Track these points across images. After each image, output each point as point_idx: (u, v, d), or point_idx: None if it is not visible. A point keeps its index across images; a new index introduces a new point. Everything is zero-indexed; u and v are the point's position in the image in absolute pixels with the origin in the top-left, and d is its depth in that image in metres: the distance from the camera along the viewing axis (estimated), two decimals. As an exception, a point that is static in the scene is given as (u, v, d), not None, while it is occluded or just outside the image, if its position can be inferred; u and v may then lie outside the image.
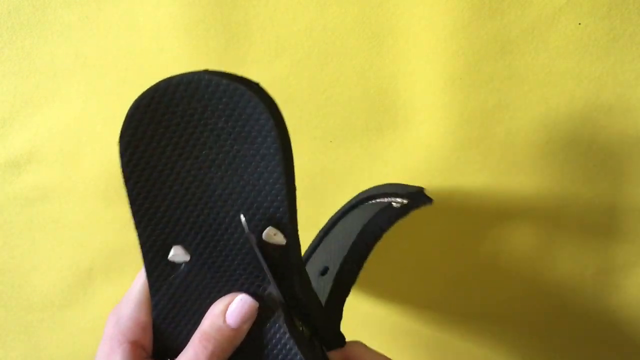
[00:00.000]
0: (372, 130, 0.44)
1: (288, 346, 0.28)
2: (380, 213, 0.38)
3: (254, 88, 0.26)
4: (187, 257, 0.28)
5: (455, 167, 0.44)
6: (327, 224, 0.44)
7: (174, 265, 0.29)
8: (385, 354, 0.32)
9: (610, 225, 0.45)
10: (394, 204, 0.39)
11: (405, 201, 0.39)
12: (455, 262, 0.47)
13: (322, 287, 0.36)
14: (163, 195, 0.27)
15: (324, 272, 0.38)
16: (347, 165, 0.45)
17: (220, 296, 0.29)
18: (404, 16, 0.40)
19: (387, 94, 0.42)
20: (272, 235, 0.28)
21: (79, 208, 0.48)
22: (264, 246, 0.28)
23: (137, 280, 0.29)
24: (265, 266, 0.27)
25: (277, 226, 0.27)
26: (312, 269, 0.39)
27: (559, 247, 0.46)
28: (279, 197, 0.27)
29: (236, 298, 0.28)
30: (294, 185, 0.28)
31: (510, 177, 0.44)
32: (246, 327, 0.28)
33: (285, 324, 0.28)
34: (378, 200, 0.41)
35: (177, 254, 0.28)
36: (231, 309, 0.28)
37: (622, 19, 0.38)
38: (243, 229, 0.28)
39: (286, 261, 0.28)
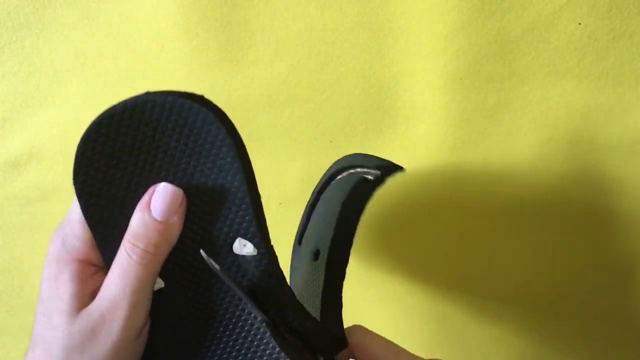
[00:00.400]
0: (372, 130, 0.44)
1: (274, 356, 0.27)
2: (356, 189, 0.36)
3: (200, 100, 0.26)
4: (161, 284, 0.27)
5: (455, 167, 0.44)
6: (311, 196, 0.42)
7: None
8: (396, 333, 0.31)
9: (611, 225, 0.45)
10: (367, 176, 0.37)
11: (378, 172, 0.37)
12: (455, 263, 0.47)
13: (315, 274, 0.35)
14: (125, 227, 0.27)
15: (316, 255, 0.37)
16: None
17: (204, 323, 0.27)
18: (404, 16, 0.40)
19: (387, 94, 0.42)
20: (242, 246, 0.27)
21: (79, 208, 0.48)
22: (236, 259, 0.27)
23: (76, 200, 0.28)
24: (232, 284, 0.26)
25: (246, 236, 0.27)
26: (305, 252, 0.38)
27: (559, 247, 0.46)
28: (242, 206, 0.26)
29: (157, 188, 0.26)
30: (257, 191, 0.27)
31: (510, 177, 0.44)
32: (176, 220, 0.26)
33: (272, 339, 0.27)
34: (351, 171, 0.39)
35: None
36: (153, 201, 0.26)
37: (622, 19, 0.38)
38: (214, 246, 0.27)
39: (264, 273, 0.27)
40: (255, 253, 0.27)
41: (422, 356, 0.30)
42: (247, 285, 0.27)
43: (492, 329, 0.50)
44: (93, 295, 0.27)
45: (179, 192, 0.26)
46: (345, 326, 0.32)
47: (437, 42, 0.40)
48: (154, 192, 0.26)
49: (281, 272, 0.28)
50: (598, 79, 0.40)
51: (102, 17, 0.42)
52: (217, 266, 0.26)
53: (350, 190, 0.36)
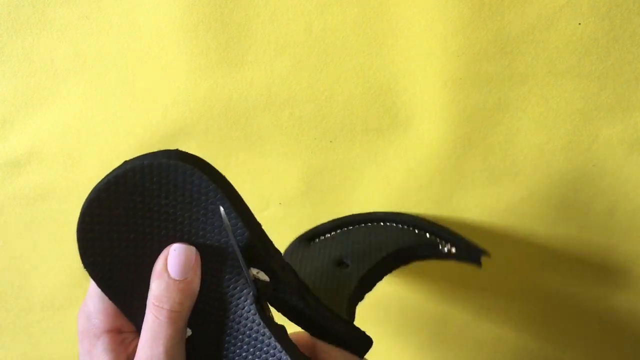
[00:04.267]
0: (372, 130, 0.44)
1: (270, 343, 0.28)
2: (425, 247, 0.41)
3: (175, 155, 0.27)
4: (189, 332, 0.29)
5: (455, 167, 0.44)
6: (348, 217, 0.45)
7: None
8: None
9: (610, 225, 0.45)
10: (443, 247, 0.41)
11: (453, 250, 0.41)
12: (455, 262, 0.47)
13: (338, 278, 0.37)
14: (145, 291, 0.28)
15: (340, 263, 0.39)
16: (347, 165, 0.45)
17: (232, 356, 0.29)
18: (404, 16, 0.40)
19: (387, 94, 0.42)
20: (256, 274, 0.28)
21: (79, 208, 0.48)
22: (256, 282, 0.28)
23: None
24: (237, 249, 0.27)
25: (257, 265, 0.28)
26: (324, 253, 0.41)
27: (559, 247, 0.46)
28: (245, 236, 0.27)
29: (170, 249, 0.28)
30: (255, 220, 0.28)
31: (510, 177, 0.44)
32: (193, 275, 0.28)
33: (259, 317, 0.28)
34: (424, 233, 0.43)
35: None
36: (169, 262, 0.27)
37: (622, 19, 0.38)
38: (228, 282, 0.28)
39: (286, 290, 0.29)
40: (268, 280, 0.28)
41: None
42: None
43: (492, 329, 0.50)
44: (130, 357, 0.28)
45: (192, 249, 0.28)
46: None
47: (437, 42, 0.40)
48: (167, 254, 0.28)
49: (305, 286, 0.30)
50: (598, 79, 0.40)
51: (102, 17, 0.42)
52: (228, 222, 0.27)
53: (417, 244, 0.41)
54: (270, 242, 0.29)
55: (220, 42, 0.42)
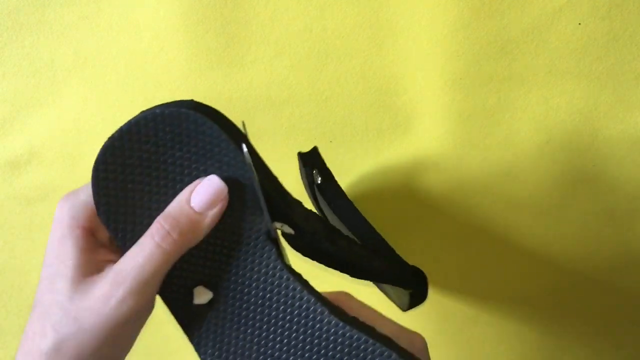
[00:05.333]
0: (372, 130, 0.44)
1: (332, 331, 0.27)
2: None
3: (187, 104, 0.26)
4: (210, 295, 0.28)
5: (455, 167, 0.44)
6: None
7: (202, 308, 0.28)
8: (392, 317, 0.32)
9: (610, 225, 0.45)
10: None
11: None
12: (455, 262, 0.47)
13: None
14: None
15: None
16: (347, 165, 0.45)
17: (263, 321, 0.27)
18: (404, 16, 0.40)
19: (387, 94, 0.42)
20: (280, 227, 0.27)
21: (79, 208, 0.48)
22: (286, 240, 0.28)
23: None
24: (256, 182, 0.26)
25: (279, 219, 0.27)
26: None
27: (559, 246, 0.46)
28: (265, 191, 0.26)
29: (204, 179, 0.26)
30: (272, 173, 0.27)
31: (510, 177, 0.44)
32: (212, 215, 0.26)
33: (329, 314, 0.27)
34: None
35: (200, 295, 0.28)
36: (196, 190, 0.26)
37: (622, 19, 0.38)
38: (248, 239, 0.27)
39: (314, 238, 0.28)
40: (293, 232, 0.27)
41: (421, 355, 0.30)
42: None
43: (492, 329, 0.50)
44: (97, 266, 0.27)
45: (224, 188, 0.26)
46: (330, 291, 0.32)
47: (437, 42, 0.40)
48: (199, 183, 0.26)
49: (334, 229, 0.29)
50: (598, 79, 0.40)
51: (102, 17, 0.42)
52: (249, 158, 0.26)
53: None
54: (288, 193, 0.28)
55: (220, 42, 0.42)
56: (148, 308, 0.27)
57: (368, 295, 0.38)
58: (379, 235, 0.36)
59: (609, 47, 0.39)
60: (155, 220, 0.26)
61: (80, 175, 0.47)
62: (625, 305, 0.48)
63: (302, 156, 0.39)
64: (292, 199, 0.28)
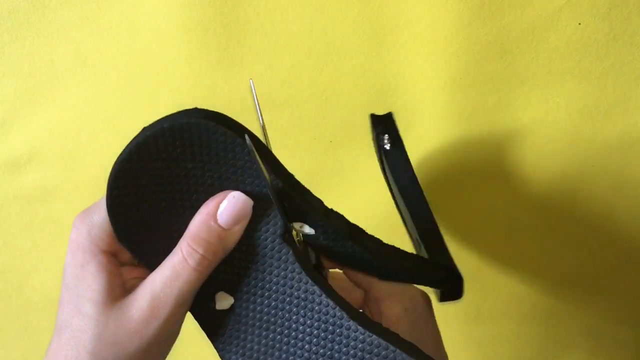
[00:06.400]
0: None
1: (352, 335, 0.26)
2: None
3: (194, 114, 0.26)
4: (231, 300, 0.28)
5: (455, 167, 0.44)
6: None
7: (224, 313, 0.28)
8: None
9: (610, 225, 0.45)
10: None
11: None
12: (455, 262, 0.47)
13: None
14: None
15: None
16: (347, 165, 0.45)
17: (284, 325, 0.27)
18: (404, 16, 0.40)
19: (387, 94, 0.42)
20: (299, 228, 0.27)
21: (79, 208, 0.48)
22: (307, 241, 0.27)
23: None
24: (264, 172, 0.26)
25: (298, 218, 0.27)
26: None
27: (559, 246, 0.46)
28: (279, 187, 0.26)
29: (228, 195, 0.26)
30: (286, 171, 0.27)
31: (510, 177, 0.44)
32: (239, 229, 0.26)
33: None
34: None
35: (221, 300, 0.28)
36: (222, 208, 0.26)
37: (622, 19, 0.38)
38: (264, 243, 0.27)
39: (336, 237, 0.27)
40: (313, 232, 0.27)
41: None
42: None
43: (492, 329, 0.50)
44: (123, 287, 0.27)
45: (249, 202, 0.26)
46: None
47: (437, 42, 0.40)
48: (224, 197, 0.26)
49: (356, 229, 0.29)
50: (598, 79, 0.40)
51: (102, 17, 0.42)
52: (251, 145, 0.25)
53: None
54: (307, 190, 0.28)
55: (220, 42, 0.42)
56: (181, 323, 0.28)
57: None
58: (432, 217, 0.34)
59: (609, 47, 0.39)
60: (184, 241, 0.26)
61: (80, 176, 0.47)
62: (625, 305, 0.48)
63: (374, 118, 0.37)
64: (311, 195, 0.28)
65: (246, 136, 0.26)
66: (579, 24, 0.38)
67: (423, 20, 0.40)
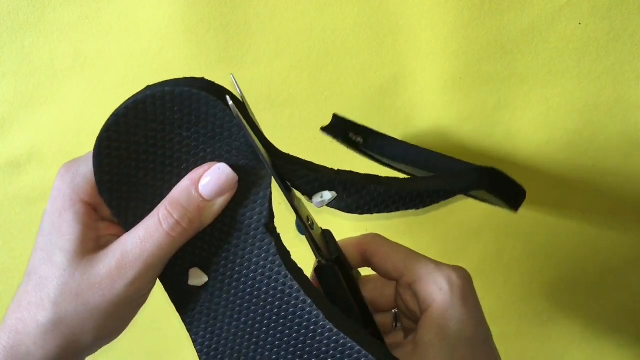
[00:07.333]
0: (372, 130, 0.44)
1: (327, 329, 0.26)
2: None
3: (198, 84, 0.25)
4: (205, 278, 0.27)
5: (455, 167, 0.44)
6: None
7: (196, 289, 0.28)
8: None
9: (610, 225, 0.45)
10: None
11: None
12: (455, 262, 0.47)
13: None
14: None
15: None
16: (347, 165, 0.45)
17: (257, 313, 0.27)
18: (404, 16, 0.40)
19: (387, 94, 0.42)
20: (320, 199, 0.27)
21: (79, 208, 0.48)
22: (335, 207, 0.27)
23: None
24: (259, 150, 0.25)
25: (311, 189, 0.26)
26: None
27: (559, 246, 0.46)
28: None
29: (214, 167, 0.26)
30: (283, 153, 0.27)
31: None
32: (220, 202, 0.26)
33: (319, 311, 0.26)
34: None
35: (195, 277, 0.27)
36: (206, 178, 0.25)
37: (622, 19, 0.38)
38: (248, 228, 0.27)
39: (359, 184, 0.27)
40: (335, 194, 0.27)
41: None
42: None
43: (492, 329, 0.50)
44: (96, 241, 0.27)
45: (234, 177, 0.26)
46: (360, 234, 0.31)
47: (437, 42, 0.40)
48: (209, 168, 0.26)
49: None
50: (598, 79, 0.40)
51: (102, 17, 0.42)
52: (237, 111, 0.25)
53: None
54: (309, 161, 0.27)
55: (220, 42, 0.42)
56: (150, 288, 0.27)
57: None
58: (447, 157, 0.33)
59: (609, 47, 0.39)
60: (162, 205, 0.26)
61: (80, 175, 0.47)
62: (625, 305, 0.48)
63: (327, 130, 0.35)
64: (314, 164, 0.27)
65: (227, 95, 0.25)
66: (579, 23, 0.38)
67: (423, 20, 0.40)
